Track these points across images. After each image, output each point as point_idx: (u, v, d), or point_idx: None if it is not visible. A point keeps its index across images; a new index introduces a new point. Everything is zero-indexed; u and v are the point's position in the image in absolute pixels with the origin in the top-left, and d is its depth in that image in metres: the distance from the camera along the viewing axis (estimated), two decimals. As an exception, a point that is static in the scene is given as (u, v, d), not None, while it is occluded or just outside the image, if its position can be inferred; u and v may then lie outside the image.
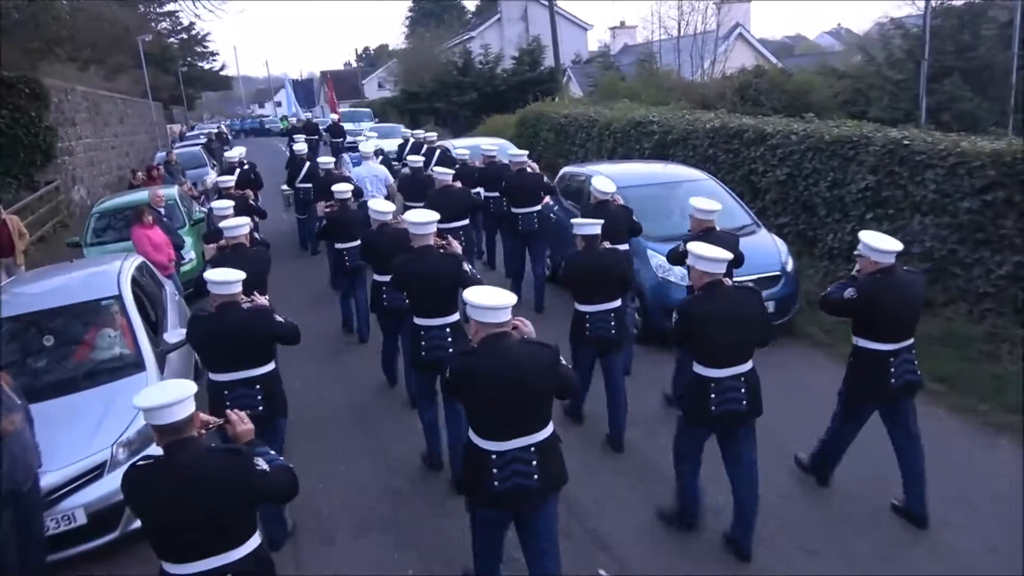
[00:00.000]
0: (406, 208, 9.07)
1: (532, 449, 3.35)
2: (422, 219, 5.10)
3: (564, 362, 3.45)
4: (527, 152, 10.05)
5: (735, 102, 17.20)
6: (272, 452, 3.05)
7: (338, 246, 8.04)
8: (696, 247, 4.15)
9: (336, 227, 7.84)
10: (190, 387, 2.82)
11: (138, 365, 5.29)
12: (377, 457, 5.80)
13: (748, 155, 9.96)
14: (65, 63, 33.03)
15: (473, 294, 3.38)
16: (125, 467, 3.00)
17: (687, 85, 17.44)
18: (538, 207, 8.74)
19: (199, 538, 2.74)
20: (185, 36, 57.17)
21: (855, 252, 4.48)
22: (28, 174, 16.58)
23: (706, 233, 5.52)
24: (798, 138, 9.15)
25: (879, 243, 4.25)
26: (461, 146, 11.99)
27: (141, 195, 11.01)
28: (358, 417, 6.53)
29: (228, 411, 3.15)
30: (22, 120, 16.23)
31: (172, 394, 2.75)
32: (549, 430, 3.43)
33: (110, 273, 6.13)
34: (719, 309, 4.03)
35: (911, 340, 4.38)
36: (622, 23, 34.58)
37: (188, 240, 10.31)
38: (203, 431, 2.93)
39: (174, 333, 5.82)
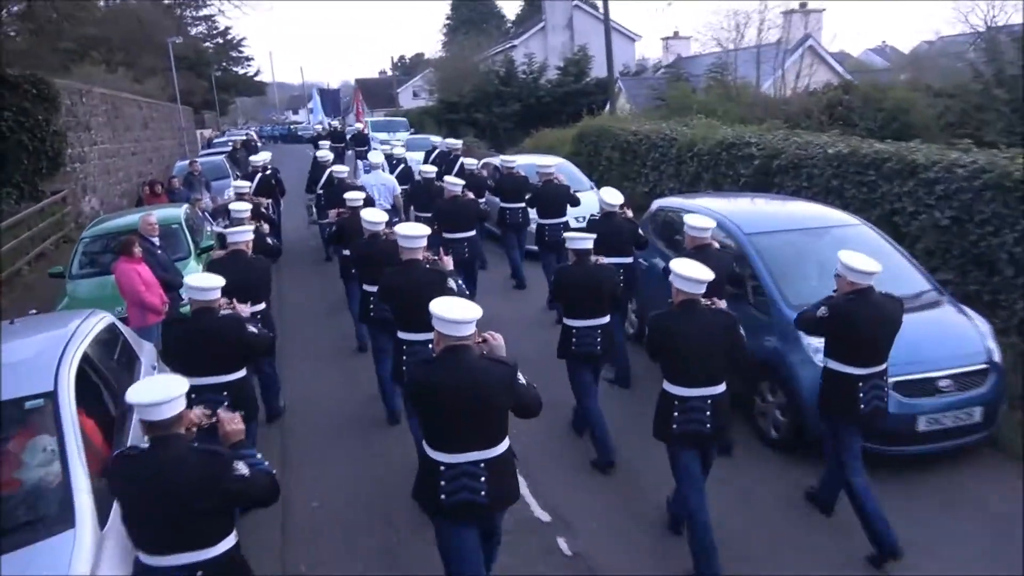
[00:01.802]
0: (417, 219, 9.60)
1: (482, 465, 3.34)
2: (412, 232, 5.14)
3: (523, 380, 3.40)
4: (555, 164, 9.98)
5: (823, 121, 15.08)
6: (258, 456, 3.06)
7: (346, 252, 7.88)
8: (677, 265, 4.14)
9: (345, 233, 7.66)
10: (182, 385, 2.91)
11: (65, 517, 3.37)
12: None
13: (890, 191, 7.88)
14: (98, 64, 32.03)
15: (438, 305, 3.36)
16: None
17: (768, 101, 15.37)
18: (565, 218, 8.83)
19: (172, 533, 2.79)
20: (220, 40, 56.59)
21: (835, 273, 4.37)
22: (32, 183, 14.98)
23: (700, 251, 5.43)
24: (968, 172, 7.06)
25: (856, 263, 4.19)
26: (510, 162, 11.09)
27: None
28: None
29: (220, 411, 3.17)
30: (27, 123, 14.62)
31: (163, 392, 2.84)
32: (503, 447, 3.41)
33: (50, 351, 4.25)
34: (691, 328, 4.01)
35: (883, 366, 4.27)
36: (676, 33, 32.50)
37: (193, 270, 8.50)
38: (193, 429, 3.00)
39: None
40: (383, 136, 26.90)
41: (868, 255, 6.28)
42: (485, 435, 3.36)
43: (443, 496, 3.33)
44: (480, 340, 3.43)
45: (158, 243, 7.73)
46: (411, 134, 28.79)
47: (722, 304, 4.24)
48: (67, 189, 15.73)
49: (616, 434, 5.51)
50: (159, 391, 2.84)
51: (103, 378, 4.49)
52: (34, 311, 10.44)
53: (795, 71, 19.94)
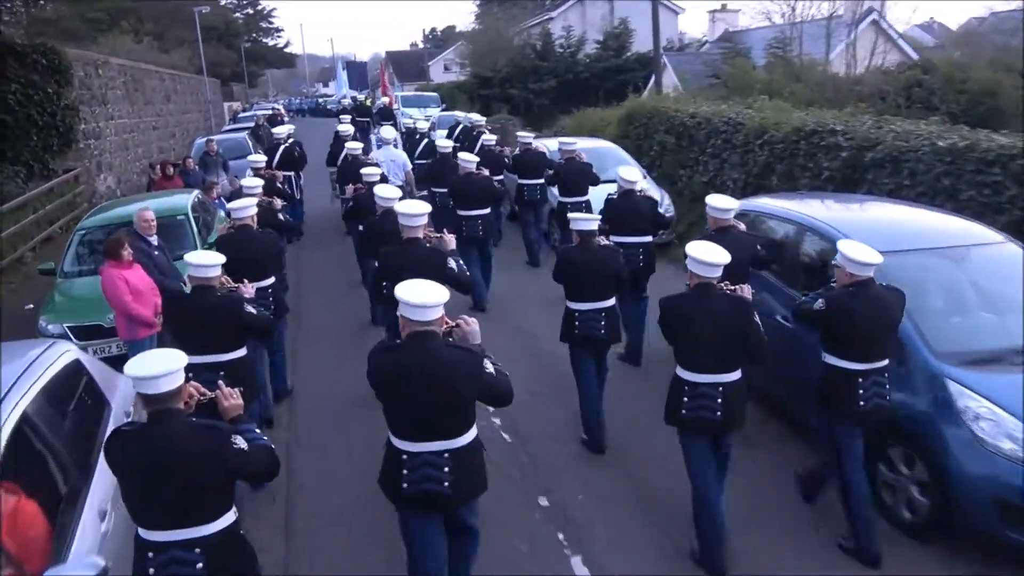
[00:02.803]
0: (435, 195, 9.63)
1: (446, 455, 3.23)
2: (413, 211, 5.16)
3: (492, 369, 3.23)
4: (576, 141, 9.75)
5: (900, 103, 13.58)
6: (257, 431, 3.02)
7: (361, 228, 7.65)
8: (692, 247, 4.02)
9: (361, 209, 7.60)
10: (180, 359, 2.85)
11: None
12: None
13: (1021, 194, 6.55)
14: (127, 34, 31.19)
15: (402, 289, 3.25)
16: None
17: (839, 81, 13.88)
18: (587, 196, 8.70)
19: (171, 508, 2.73)
20: (250, 11, 55.60)
21: (832, 261, 4.27)
22: (42, 161, 14.11)
23: (722, 232, 5.30)
24: None
25: (857, 254, 4.00)
26: (527, 138, 10.80)
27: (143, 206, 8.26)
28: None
29: (220, 385, 3.13)
30: (36, 97, 13.72)
31: (161, 366, 2.78)
32: (469, 437, 3.29)
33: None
34: (703, 313, 3.90)
35: (885, 362, 4.07)
36: (723, 6, 30.72)
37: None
38: (190, 402, 2.95)
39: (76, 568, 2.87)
40: (413, 112, 25.72)
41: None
42: (449, 425, 3.24)
43: (405, 485, 3.25)
44: (454, 325, 3.35)
45: (156, 242, 6.70)
46: (442, 110, 27.54)
47: (746, 290, 4.07)
48: (80, 167, 14.86)
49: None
50: (157, 364, 2.79)
51: (49, 445, 3.43)
52: (30, 306, 9.66)
53: (857, 48, 18.32)
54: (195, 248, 8.06)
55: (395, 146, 11.56)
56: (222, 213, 9.80)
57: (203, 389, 3.07)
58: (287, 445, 5.61)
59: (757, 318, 3.99)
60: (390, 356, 3.26)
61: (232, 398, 3.08)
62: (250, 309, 4.61)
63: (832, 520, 4.32)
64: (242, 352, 4.67)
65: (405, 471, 3.23)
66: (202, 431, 2.80)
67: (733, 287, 4.03)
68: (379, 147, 11.92)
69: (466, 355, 3.23)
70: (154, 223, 6.60)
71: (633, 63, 29.89)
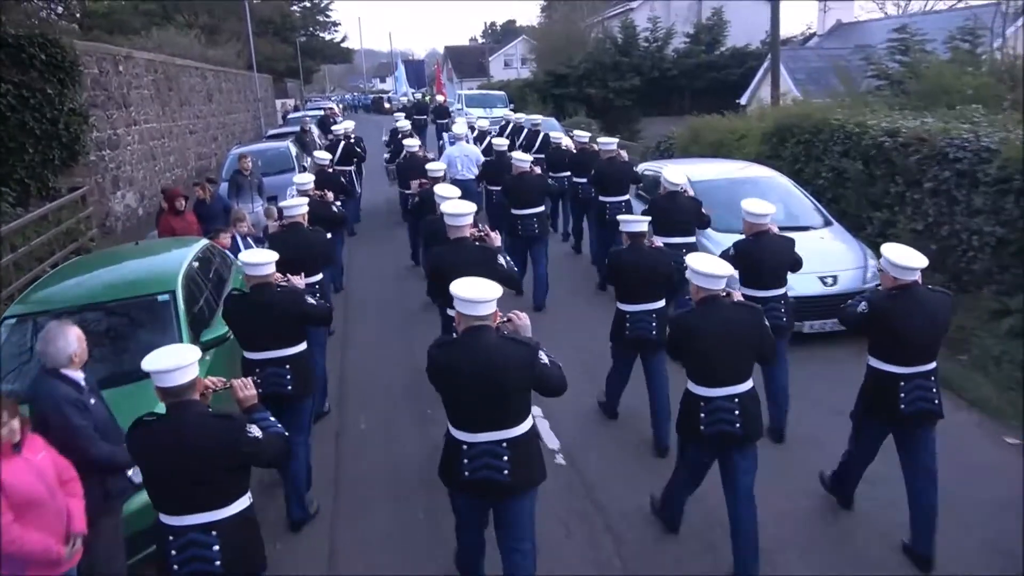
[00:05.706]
0: (489, 192, 10.14)
1: (504, 444, 3.33)
2: (457, 210, 5.23)
3: (546, 360, 3.34)
4: (616, 141, 9.64)
5: None
6: (271, 419, 3.15)
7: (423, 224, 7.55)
8: (694, 260, 3.99)
9: (426, 205, 7.54)
10: (194, 353, 2.99)
11: None
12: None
13: None
14: (181, 28, 29.16)
15: (457, 285, 3.34)
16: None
17: (1067, 83, 10.31)
18: (626, 196, 8.73)
19: (189, 494, 2.90)
20: (308, 4, 53.70)
21: (877, 266, 4.32)
22: (41, 178, 11.52)
23: (758, 236, 5.28)
24: None
25: (900, 258, 3.95)
26: (583, 137, 10.55)
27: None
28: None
29: (234, 379, 3.25)
30: (32, 100, 11.13)
31: (175, 360, 2.93)
32: (526, 426, 3.40)
33: None
34: (714, 326, 3.88)
35: (931, 365, 4.02)
36: (837, -7, 26.81)
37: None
38: (207, 393, 3.10)
39: None
40: (479, 112, 22.82)
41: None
42: (505, 415, 3.31)
43: (466, 473, 3.33)
44: (505, 320, 3.42)
45: (83, 382, 3.75)
46: (510, 110, 24.50)
47: (737, 296, 4.00)
48: (89, 184, 12.25)
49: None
50: (171, 359, 2.91)
51: None
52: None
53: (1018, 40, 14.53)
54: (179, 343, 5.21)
55: (467, 141, 12.12)
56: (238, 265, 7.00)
57: (219, 381, 3.20)
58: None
59: (767, 322, 3.98)
60: (447, 351, 3.34)
61: (247, 388, 3.17)
62: (310, 300, 4.68)
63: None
64: (304, 345, 4.70)
65: (465, 460, 3.32)
66: (219, 421, 2.95)
67: (727, 294, 3.92)
68: (452, 143, 12.28)
69: (521, 347, 3.30)
70: (81, 352, 3.63)
71: (728, 59, 26.39)
